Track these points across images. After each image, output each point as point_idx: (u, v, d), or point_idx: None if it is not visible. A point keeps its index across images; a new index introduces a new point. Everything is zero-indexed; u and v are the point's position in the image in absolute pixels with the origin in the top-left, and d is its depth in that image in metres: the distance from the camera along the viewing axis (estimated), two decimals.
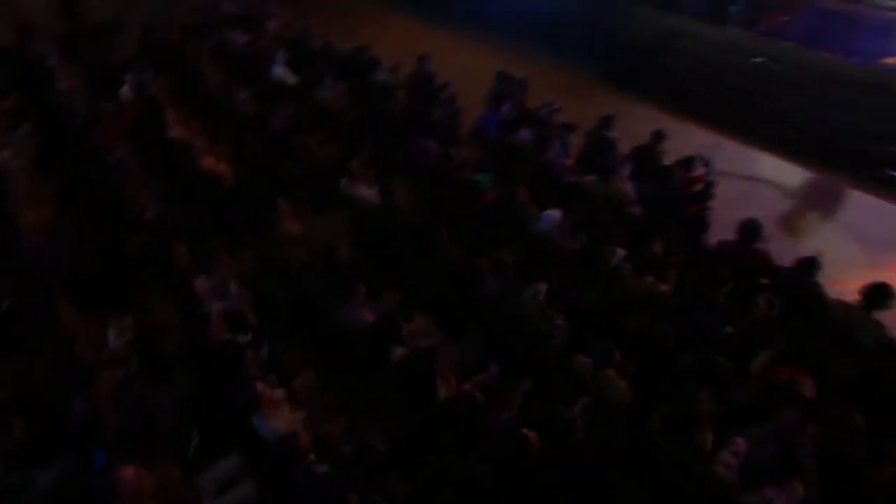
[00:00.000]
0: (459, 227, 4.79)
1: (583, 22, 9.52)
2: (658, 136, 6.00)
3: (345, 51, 7.74)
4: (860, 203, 6.20)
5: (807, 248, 4.59)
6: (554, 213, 4.75)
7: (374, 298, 4.19)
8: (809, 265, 4.08)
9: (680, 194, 5.20)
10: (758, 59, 7.97)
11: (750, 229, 4.51)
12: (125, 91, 6.82)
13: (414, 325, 3.98)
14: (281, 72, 7.46)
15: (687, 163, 5.42)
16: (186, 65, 7.73)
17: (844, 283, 4.23)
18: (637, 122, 6.86)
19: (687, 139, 6.61)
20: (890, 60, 7.62)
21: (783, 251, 4.64)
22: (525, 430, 2.93)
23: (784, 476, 2.91)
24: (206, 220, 5.26)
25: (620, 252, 4.48)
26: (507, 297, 4.08)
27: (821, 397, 3.50)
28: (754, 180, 6.48)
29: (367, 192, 5.28)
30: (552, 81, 8.32)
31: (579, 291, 4.10)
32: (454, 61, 8.04)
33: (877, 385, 3.54)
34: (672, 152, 5.88)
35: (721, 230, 4.79)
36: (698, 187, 5.25)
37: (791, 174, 6.65)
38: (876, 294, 3.76)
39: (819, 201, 6.25)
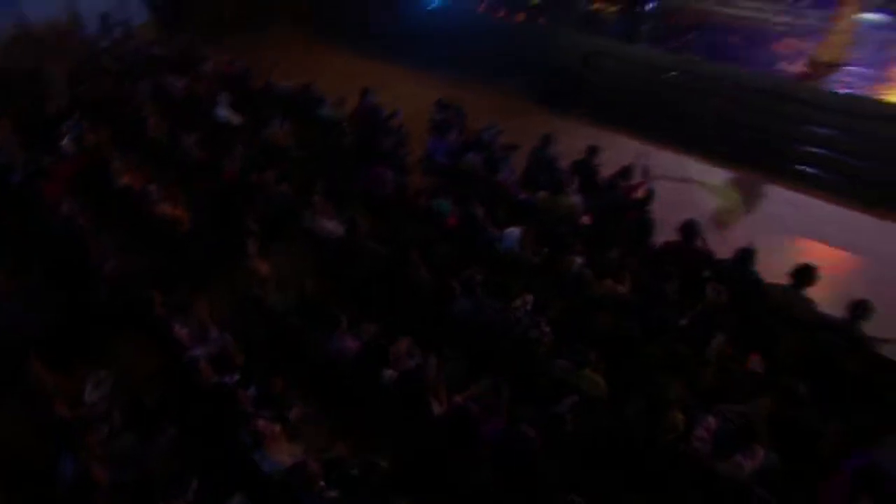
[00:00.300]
0: (426, 252, 5.02)
1: (512, 47, 10.08)
2: (593, 150, 6.45)
3: (288, 88, 7.87)
4: (778, 196, 6.89)
5: (738, 239, 5.10)
6: (514, 230, 5.08)
7: (354, 326, 4.35)
8: (746, 255, 4.57)
9: (624, 202, 5.65)
10: (671, 73, 8.71)
11: (690, 229, 4.98)
12: (66, 143, 6.69)
13: (397, 347, 4.16)
14: (225, 113, 7.51)
15: (626, 172, 5.89)
16: (126, 113, 7.63)
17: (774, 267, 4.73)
18: (572, 138, 7.28)
19: (619, 149, 7.12)
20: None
21: (718, 245, 5.15)
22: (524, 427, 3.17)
23: (748, 443, 3.28)
24: (172, 267, 5.26)
25: (579, 260, 4.85)
26: (482, 311, 4.34)
27: (769, 372, 3.95)
28: (685, 182, 7.09)
29: (330, 225, 5.44)
30: (488, 105, 8.74)
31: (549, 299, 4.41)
32: (392, 92, 8.30)
33: (814, 354, 4.02)
34: (608, 163, 6.36)
35: (662, 231, 5.26)
36: (639, 194, 5.72)
37: (716, 174, 7.31)
38: (803, 274, 4.28)
39: (743, 197, 6.92)
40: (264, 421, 3.48)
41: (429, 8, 12.27)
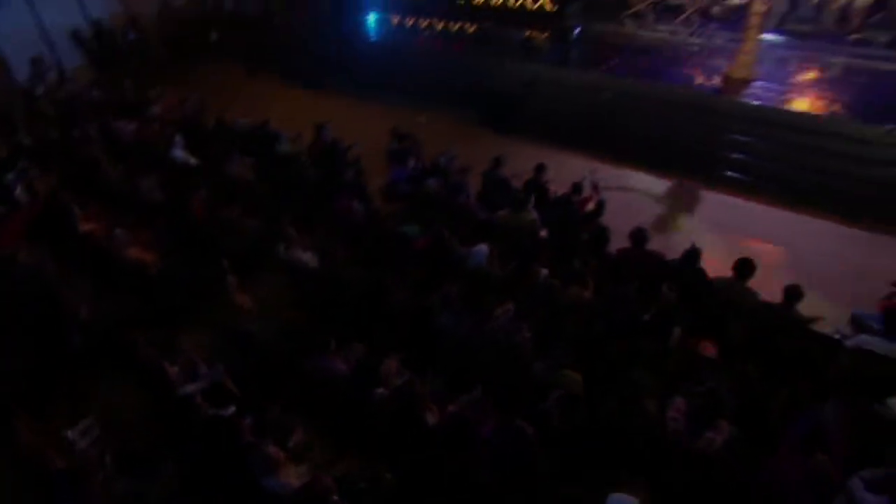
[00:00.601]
0: (401, 274, 5.29)
1: (456, 77, 10.59)
2: (540, 169, 6.93)
3: (244, 126, 8.01)
4: (712, 199, 7.59)
5: (682, 242, 5.65)
6: (482, 247, 5.43)
7: (341, 349, 4.55)
8: (692, 255, 5.09)
9: (578, 215, 6.11)
10: (605, 93, 9.42)
11: (639, 235, 5.48)
12: (18, 192, 6.57)
13: (387, 366, 4.38)
14: (181, 154, 7.56)
15: (578, 188, 6.38)
16: (76, 158, 7.55)
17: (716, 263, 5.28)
18: (518, 158, 7.76)
19: (563, 166, 7.64)
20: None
21: (665, 247, 5.68)
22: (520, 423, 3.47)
23: (715, 419, 3.70)
24: (147, 309, 5.29)
25: (544, 271, 5.24)
26: (463, 324, 4.64)
27: (723, 356, 4.43)
28: (629, 192, 7.68)
29: (305, 256, 5.62)
30: (438, 132, 9.18)
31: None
32: (340, 124, 8.55)
33: (759, 337, 4.53)
34: (555, 179, 6.85)
35: (613, 238, 5.73)
36: (591, 207, 6.21)
37: (655, 184, 7.97)
38: (743, 268, 4.81)
39: (682, 203, 7.58)
40: (274, 446, 3.61)
41: (369, 42, 12.72)
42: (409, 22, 13.04)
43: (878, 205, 6.99)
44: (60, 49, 11.89)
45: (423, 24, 12.89)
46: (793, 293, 4.56)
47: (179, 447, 4.05)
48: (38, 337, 4.97)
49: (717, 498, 3.45)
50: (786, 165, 7.79)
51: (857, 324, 4.73)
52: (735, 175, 8.00)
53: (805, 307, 4.60)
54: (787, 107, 8.40)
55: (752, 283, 4.86)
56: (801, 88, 8.98)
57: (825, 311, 4.80)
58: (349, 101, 10.95)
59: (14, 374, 4.63)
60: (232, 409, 4.13)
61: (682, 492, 3.44)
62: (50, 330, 5.04)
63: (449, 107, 10.25)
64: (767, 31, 9.78)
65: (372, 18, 13.49)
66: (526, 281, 5.18)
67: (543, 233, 6.17)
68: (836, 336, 4.54)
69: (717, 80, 9.33)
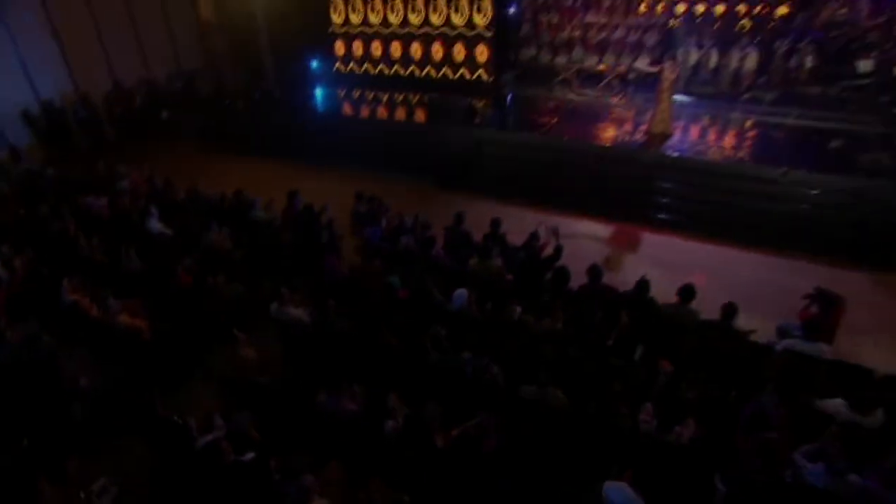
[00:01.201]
0: (389, 321, 5.80)
1: (409, 143, 11.46)
2: (496, 222, 7.71)
3: (217, 196, 8.41)
4: (650, 239, 8.61)
5: (629, 275, 6.47)
6: (462, 292, 6.04)
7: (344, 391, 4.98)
8: (643, 285, 5.90)
9: (539, 259, 6.87)
10: (549, 150, 10.52)
11: (595, 272, 6.27)
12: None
13: (392, 401, 4.84)
14: (157, 225, 7.85)
15: (535, 236, 7.17)
16: (50, 234, 7.70)
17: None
18: (473, 214, 8.52)
19: (512, 217, 8.46)
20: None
21: (616, 282, 6.49)
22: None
23: (683, 417, 4.38)
24: (151, 371, 5.53)
25: (518, 309, 5.90)
26: (452, 360, 5.19)
27: (677, 367, 5.17)
28: (577, 237, 8.59)
29: (297, 312, 6.04)
30: (398, 194, 9.85)
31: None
32: (309, 190, 9.11)
33: (704, 350, 5.33)
34: (511, 230, 7.64)
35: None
36: (549, 252, 6.99)
37: (599, 229, 8.94)
38: (686, 293, 5.65)
39: (625, 244, 8.55)
40: (311, 477, 3.95)
41: (322, 113, 13.51)
42: (357, 94, 14.01)
43: (785, 234, 8.20)
44: (8, 128, 11.99)
45: (371, 96, 13.89)
46: (729, 310, 5.42)
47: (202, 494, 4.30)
48: (40, 409, 5.09)
49: (689, 479, 4.09)
50: (707, 206, 8.97)
51: (782, 332, 5.62)
52: (665, 217, 9.11)
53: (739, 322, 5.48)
54: (701, 156, 9.71)
55: (694, 305, 5.72)
56: (711, 139, 10.40)
57: (756, 325, 5.69)
58: (305, 170, 11.51)
59: (26, 444, 4.73)
60: (251, 454, 4.44)
61: (661, 477, 4.05)
62: (52, 402, 5.18)
63: (405, 171, 11.03)
64: (677, 93, 11.27)
65: (322, 92, 14.39)
66: (502, 319, 5.83)
67: (509, 276, 6.88)
68: (767, 343, 5.41)
69: (640, 136, 10.62)
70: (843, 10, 13.20)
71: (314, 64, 14.80)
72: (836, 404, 4.44)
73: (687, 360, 5.20)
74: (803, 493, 3.79)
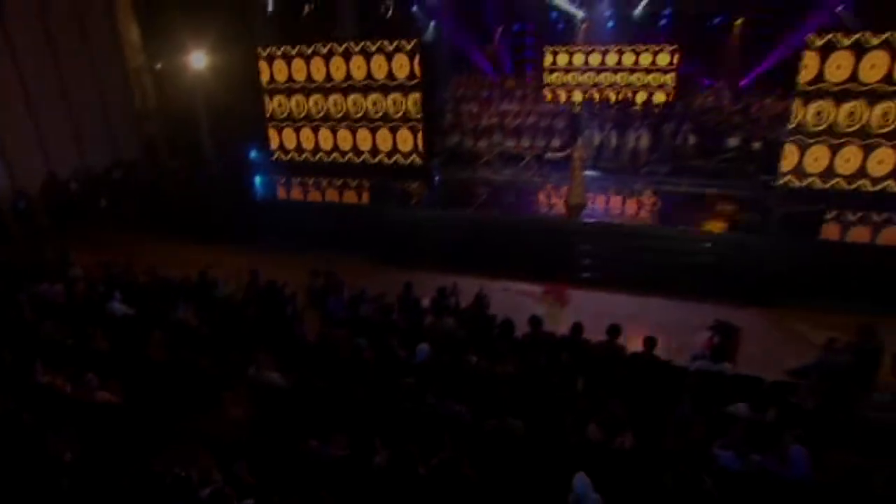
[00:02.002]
0: (362, 378, 6.43)
1: (354, 223, 12.36)
2: (442, 290, 8.60)
3: (177, 277, 8.83)
4: (577, 295, 9.80)
5: (563, 325, 7.49)
6: (424, 346, 6.80)
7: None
8: (576, 329, 6.92)
9: (485, 316, 7.79)
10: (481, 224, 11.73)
11: (535, 322, 7.25)
12: None
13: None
14: (120, 307, 8.13)
15: (479, 296, 8.11)
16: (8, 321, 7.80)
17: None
18: (418, 284, 9.40)
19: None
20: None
21: (552, 330, 7.48)
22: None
23: (624, 430, 5.27)
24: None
25: (474, 358, 6.71)
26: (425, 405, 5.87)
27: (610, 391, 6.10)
28: (515, 296, 9.61)
29: (273, 376, 6.54)
30: (346, 271, 10.58)
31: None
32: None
33: (633, 376, 6.32)
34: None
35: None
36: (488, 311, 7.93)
37: (533, 289, 10.05)
38: (613, 331, 6.71)
39: (555, 299, 9.66)
40: None
41: (263, 199, 14.21)
42: (297, 180, 14.90)
43: (686, 281, 9.63)
44: None
45: (311, 181, 14.82)
46: (650, 342, 6.50)
47: None
48: (27, 485, 5.23)
49: (634, 476, 4.92)
50: (621, 262, 10.35)
51: (695, 358, 6.73)
52: (588, 275, 10.38)
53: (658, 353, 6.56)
54: (613, 221, 11.22)
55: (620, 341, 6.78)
56: (620, 206, 12.03)
57: (671, 355, 6.78)
58: (251, 253, 11.95)
59: None
60: (250, 501, 4.85)
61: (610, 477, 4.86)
62: (36, 477, 5.33)
63: (348, 250, 11.80)
64: (587, 169, 12.96)
65: (263, 178, 15.17)
66: (460, 367, 6.61)
67: (462, 331, 7.72)
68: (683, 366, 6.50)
69: (559, 207, 12.08)
70: (711, 98, 15.83)
71: (254, 152, 15.64)
72: (739, 407, 5.49)
73: (620, 384, 6.16)
74: (721, 475, 4.71)
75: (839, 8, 12.39)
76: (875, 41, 10.66)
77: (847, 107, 11.03)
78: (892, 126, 10.92)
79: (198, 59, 13.97)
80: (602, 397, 5.87)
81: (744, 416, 5.37)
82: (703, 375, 6.18)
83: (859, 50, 10.74)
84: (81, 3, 15.17)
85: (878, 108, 10.89)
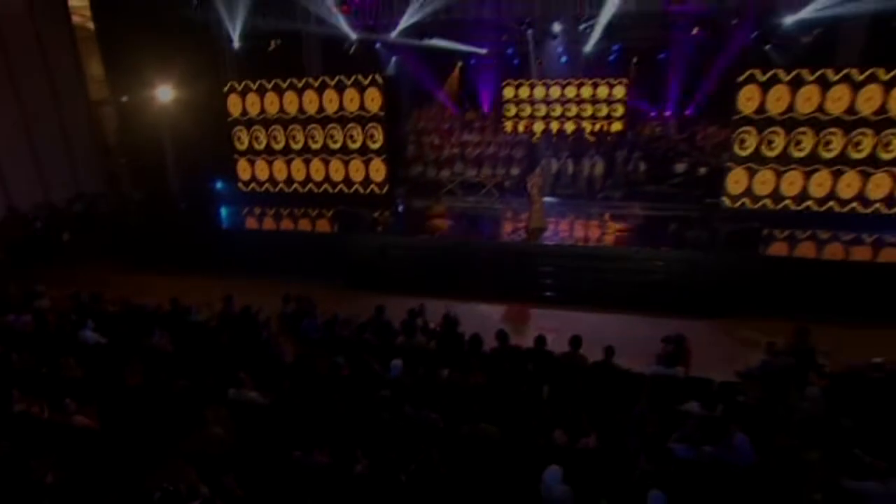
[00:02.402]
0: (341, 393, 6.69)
1: (323, 251, 12.63)
2: (411, 312, 8.96)
3: (149, 305, 8.92)
4: (539, 312, 10.28)
5: (527, 340, 7.92)
6: (397, 362, 7.12)
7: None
8: (540, 341, 7.37)
9: (457, 334, 8.17)
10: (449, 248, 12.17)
11: (502, 336, 7.67)
12: None
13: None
14: (92, 335, 8.18)
15: (448, 317, 8.50)
16: None
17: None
18: (388, 307, 9.72)
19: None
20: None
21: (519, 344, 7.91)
22: None
23: (587, 434, 5.69)
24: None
25: (445, 371, 7.06)
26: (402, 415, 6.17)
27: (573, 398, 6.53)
28: (482, 316, 10.02)
29: (254, 395, 6.73)
30: (319, 296, 10.82)
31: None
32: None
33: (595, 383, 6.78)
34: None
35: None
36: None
37: (498, 309, 10.50)
38: (575, 341, 7.19)
39: (520, 317, 10.13)
40: None
41: (230, 228, 14.35)
42: (267, 210, 15.11)
43: (641, 297, 10.25)
44: None
45: (279, 210, 15.04)
46: (609, 351, 6.99)
47: None
48: None
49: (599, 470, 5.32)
50: (580, 282, 10.91)
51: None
52: (549, 294, 10.91)
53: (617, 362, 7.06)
54: (572, 243, 11.84)
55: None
56: (578, 230, 12.69)
57: (629, 364, 7.29)
58: (220, 281, 12.03)
59: None
60: None
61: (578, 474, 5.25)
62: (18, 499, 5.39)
63: (317, 276, 12.04)
64: (546, 196, 13.62)
65: (230, 209, 15.31)
66: (433, 380, 6.94)
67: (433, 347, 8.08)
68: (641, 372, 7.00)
69: (521, 232, 12.65)
70: (659, 128, 16.85)
71: (220, 183, 15.80)
72: (691, 406, 5.99)
73: (583, 391, 6.61)
74: (678, 465, 5.16)
75: (767, 46, 13.56)
76: (810, 77, 11.76)
77: (785, 134, 12.06)
78: (833, 153, 11.95)
79: (164, 93, 14.18)
80: (566, 404, 6.31)
81: (696, 412, 5.86)
82: (659, 379, 6.68)
83: (795, 84, 11.82)
84: (44, 38, 15.25)
85: (814, 136, 11.94)
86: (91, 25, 17.33)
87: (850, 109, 11.63)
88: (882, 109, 11.46)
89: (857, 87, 11.50)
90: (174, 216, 14.59)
